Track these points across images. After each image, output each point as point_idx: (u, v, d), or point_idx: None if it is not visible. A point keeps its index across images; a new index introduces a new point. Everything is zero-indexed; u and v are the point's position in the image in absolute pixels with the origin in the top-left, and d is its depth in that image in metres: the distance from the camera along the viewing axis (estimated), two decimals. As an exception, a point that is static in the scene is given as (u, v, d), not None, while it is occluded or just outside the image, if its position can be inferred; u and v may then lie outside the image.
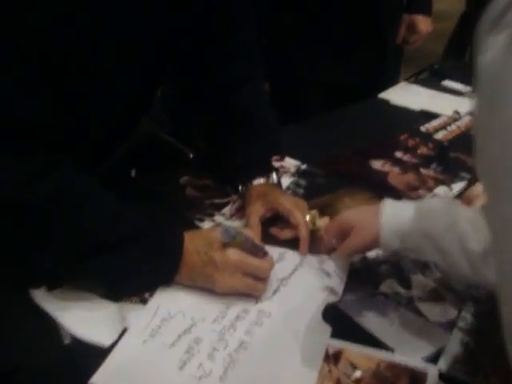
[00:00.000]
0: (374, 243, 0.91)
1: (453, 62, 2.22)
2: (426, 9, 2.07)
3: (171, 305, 0.88)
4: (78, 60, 0.85)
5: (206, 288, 0.90)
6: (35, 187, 0.81)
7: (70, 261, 0.85)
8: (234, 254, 0.89)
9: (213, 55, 1.14)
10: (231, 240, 0.89)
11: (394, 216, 0.89)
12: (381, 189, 1.24)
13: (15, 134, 0.80)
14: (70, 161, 0.87)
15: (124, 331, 0.84)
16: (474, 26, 0.49)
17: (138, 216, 0.91)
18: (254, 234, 1.01)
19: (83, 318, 0.86)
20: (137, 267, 0.88)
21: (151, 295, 0.90)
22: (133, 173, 1.40)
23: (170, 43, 1.03)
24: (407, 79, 2.02)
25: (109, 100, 0.95)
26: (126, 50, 0.91)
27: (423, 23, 2.04)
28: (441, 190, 1.26)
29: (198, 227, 1.08)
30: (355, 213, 0.98)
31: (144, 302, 0.89)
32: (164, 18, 0.97)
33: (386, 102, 1.79)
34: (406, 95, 1.84)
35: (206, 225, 1.09)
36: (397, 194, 1.22)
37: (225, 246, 0.89)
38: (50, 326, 0.85)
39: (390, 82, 1.96)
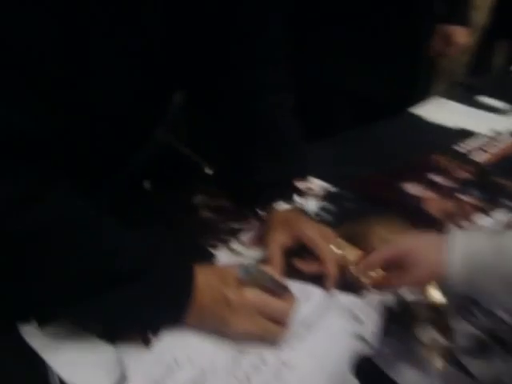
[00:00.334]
0: (433, 279, 0.85)
1: (483, 76, 2.12)
2: (463, 19, 2.00)
3: (178, 350, 0.77)
4: (77, 69, 0.78)
5: (218, 331, 0.80)
6: (22, 214, 0.71)
7: (61, 297, 0.75)
8: (251, 293, 0.79)
9: (236, 58, 1.07)
10: (250, 278, 0.80)
11: (466, 253, 0.80)
12: (417, 216, 1.14)
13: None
14: (66, 183, 0.77)
15: (121, 379, 0.73)
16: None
17: (141, 247, 0.82)
18: (274, 266, 0.91)
19: (76, 362, 0.76)
20: (139, 305, 0.77)
21: (155, 337, 0.79)
22: (146, 184, 1.31)
23: (186, 41, 0.95)
24: (440, 94, 1.93)
25: (117, 103, 0.87)
26: (126, 52, 0.84)
27: (460, 34, 1.98)
28: (482, 219, 1.14)
29: (211, 254, 0.98)
30: (414, 242, 0.88)
31: (147, 342, 0.78)
32: (183, 14, 0.90)
33: (418, 118, 1.70)
34: (439, 111, 1.75)
35: (221, 252, 1.00)
36: (434, 223, 1.12)
37: (242, 284, 0.80)
38: (38, 368, 0.75)
39: (423, 96, 1.88)
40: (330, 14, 1.74)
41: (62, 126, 0.77)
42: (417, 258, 0.83)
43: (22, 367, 0.76)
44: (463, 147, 1.49)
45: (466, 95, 1.92)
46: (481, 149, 1.48)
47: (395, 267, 0.86)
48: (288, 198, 1.04)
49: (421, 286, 0.87)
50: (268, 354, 0.78)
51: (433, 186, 1.27)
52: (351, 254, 0.97)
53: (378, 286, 0.90)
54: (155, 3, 0.85)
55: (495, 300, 0.80)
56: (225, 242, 1.02)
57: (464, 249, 0.80)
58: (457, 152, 1.46)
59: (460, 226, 1.11)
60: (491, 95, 1.87)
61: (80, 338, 0.79)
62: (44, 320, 0.81)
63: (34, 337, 0.79)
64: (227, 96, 1.10)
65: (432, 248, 0.83)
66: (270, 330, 0.80)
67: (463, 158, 1.42)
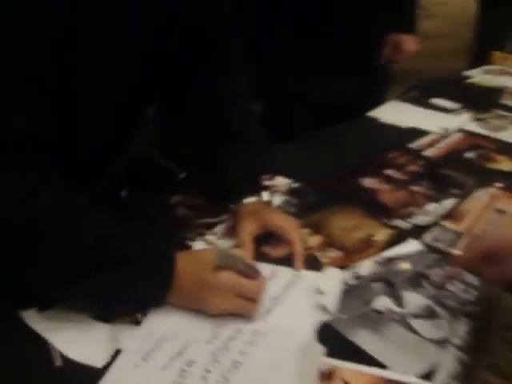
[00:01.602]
0: None
1: (441, 80, 2.24)
2: (410, 28, 2.09)
3: (164, 327, 0.88)
4: (64, 77, 0.85)
5: (199, 310, 0.90)
6: (26, 204, 0.80)
7: (60, 280, 0.84)
8: (226, 276, 0.89)
9: (201, 71, 1.14)
10: (224, 263, 0.89)
11: None
12: (371, 206, 1.24)
13: (4, 150, 0.80)
14: (62, 178, 0.86)
15: (116, 352, 0.83)
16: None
17: (130, 235, 0.91)
18: (246, 252, 1.01)
19: (75, 339, 0.85)
20: (128, 287, 0.87)
21: (144, 316, 0.89)
22: (124, 193, 1.39)
23: (158, 59, 1.03)
24: (396, 98, 2.04)
25: (96, 118, 0.96)
26: (112, 66, 0.92)
27: (409, 42, 2.06)
28: (431, 206, 1.26)
29: (189, 247, 1.07)
30: (509, 235, 0.88)
31: (137, 323, 0.88)
32: (152, 35, 0.97)
33: (375, 121, 1.81)
34: (394, 113, 1.86)
35: (198, 244, 1.08)
36: (387, 211, 1.23)
37: (218, 268, 0.89)
38: (41, 348, 0.84)
39: (379, 100, 1.98)
40: (290, 28, 1.83)
41: (49, 131, 0.85)
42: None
43: (26, 347, 0.84)
44: (416, 144, 1.61)
45: (420, 98, 2.04)
46: (431, 145, 1.61)
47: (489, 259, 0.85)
48: (256, 194, 1.12)
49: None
50: (242, 325, 0.88)
51: (387, 179, 1.38)
52: (313, 240, 1.09)
53: (335, 263, 1.02)
54: (140, 17, 0.93)
55: None
56: (201, 235, 1.10)
57: None
58: (410, 149, 1.58)
59: (411, 213, 1.23)
60: (443, 97, 2.00)
61: (77, 319, 0.88)
62: (43, 305, 0.89)
63: (35, 320, 0.87)
64: (196, 105, 1.17)
65: None
66: (244, 307, 0.90)
67: (415, 154, 1.54)
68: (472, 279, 0.99)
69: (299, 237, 1.05)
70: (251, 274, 0.91)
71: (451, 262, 0.98)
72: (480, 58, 3.35)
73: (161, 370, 0.80)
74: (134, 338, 0.85)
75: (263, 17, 1.81)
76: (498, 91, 2.12)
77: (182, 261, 0.91)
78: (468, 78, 2.35)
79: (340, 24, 1.82)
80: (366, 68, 1.96)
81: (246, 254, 0.99)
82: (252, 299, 0.90)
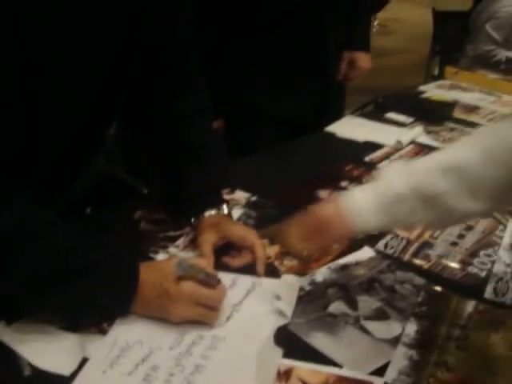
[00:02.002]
0: (350, 231, 0.96)
1: (396, 95, 2.31)
2: (365, 46, 2.16)
3: (129, 335, 0.91)
4: (27, 97, 0.87)
5: (162, 318, 0.94)
6: None
7: (26, 291, 0.87)
8: (187, 286, 0.93)
9: (160, 89, 1.17)
10: (185, 273, 0.93)
11: (366, 200, 0.92)
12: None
13: None
14: (26, 193, 0.88)
15: (83, 361, 0.86)
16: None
17: (94, 247, 0.94)
18: (207, 262, 1.04)
19: (43, 349, 0.88)
20: (93, 297, 0.90)
21: (110, 326, 0.93)
22: (88, 210, 1.42)
23: (119, 78, 1.06)
24: (352, 113, 2.11)
25: (57, 136, 0.97)
26: (74, 85, 0.94)
27: (363, 60, 2.14)
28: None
29: (152, 259, 1.11)
30: (325, 207, 0.97)
31: (103, 332, 0.91)
32: (113, 55, 1.00)
33: (332, 135, 1.87)
34: (351, 128, 1.93)
35: (161, 257, 1.12)
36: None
37: (179, 278, 0.93)
38: (9, 358, 0.86)
39: (335, 116, 2.04)
40: (248, 42, 1.87)
41: (15, 147, 0.87)
42: (331, 218, 0.93)
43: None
44: (371, 157, 1.68)
45: (376, 112, 2.12)
46: (385, 158, 1.68)
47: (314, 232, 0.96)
48: (215, 207, 1.16)
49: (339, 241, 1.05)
50: (204, 332, 0.93)
51: (343, 191, 1.43)
52: (271, 250, 1.14)
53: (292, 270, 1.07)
54: (101, 40, 0.95)
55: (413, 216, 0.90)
56: (163, 248, 1.14)
57: (363, 199, 0.92)
58: (365, 162, 1.64)
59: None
60: (397, 111, 2.08)
61: (44, 329, 0.90)
62: (10, 318, 0.91)
63: (3, 333, 0.90)
64: (156, 122, 1.20)
65: (338, 207, 0.93)
66: (204, 315, 0.94)
67: (370, 167, 1.60)
68: (420, 281, 1.06)
69: (260, 243, 1.10)
70: (211, 283, 0.95)
71: (283, 240, 1.04)
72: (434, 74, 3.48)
73: (127, 375, 0.84)
74: (101, 347, 0.89)
75: (222, 29, 1.84)
76: (450, 105, 2.21)
77: (145, 271, 0.94)
78: (422, 92, 2.44)
79: (298, 39, 1.87)
80: (322, 83, 2.01)
81: (207, 264, 1.02)
82: (212, 307, 0.94)
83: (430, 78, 4.69)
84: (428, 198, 0.88)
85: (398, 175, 0.92)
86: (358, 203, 0.92)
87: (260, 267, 1.07)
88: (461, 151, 0.90)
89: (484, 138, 0.90)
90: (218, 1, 1.80)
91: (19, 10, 0.81)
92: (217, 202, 1.18)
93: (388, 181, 0.92)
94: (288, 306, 0.98)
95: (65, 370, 0.84)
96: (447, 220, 0.96)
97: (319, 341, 0.92)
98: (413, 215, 0.90)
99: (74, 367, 0.85)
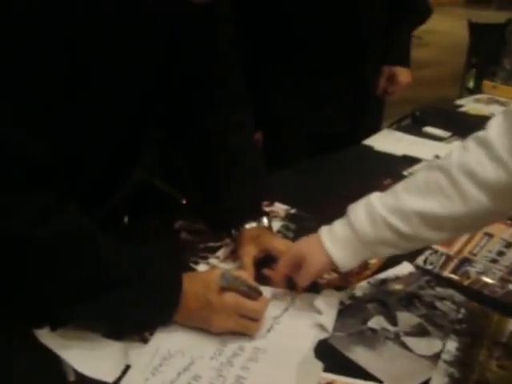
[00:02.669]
0: (328, 267, 1.02)
1: (433, 108, 2.30)
2: (404, 61, 2.15)
3: (171, 344, 0.93)
4: (72, 109, 0.88)
5: (204, 329, 0.95)
6: (38, 227, 0.84)
7: (71, 300, 0.89)
8: (230, 297, 0.94)
9: (201, 103, 1.19)
10: (228, 284, 0.94)
11: (335, 238, 1.00)
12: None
13: (17, 175, 0.84)
14: (73, 203, 0.90)
15: (126, 368, 0.88)
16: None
17: (139, 257, 0.96)
18: (248, 274, 1.05)
19: (87, 356, 0.90)
20: (136, 307, 0.92)
21: (151, 334, 0.94)
22: (125, 219, 1.44)
23: (158, 92, 1.08)
24: (390, 126, 2.11)
25: (98, 150, 1.00)
26: (114, 102, 0.95)
27: (402, 74, 2.13)
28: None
29: (193, 269, 1.12)
30: (303, 244, 1.06)
31: (145, 341, 0.93)
32: (152, 68, 1.01)
33: (369, 149, 1.87)
34: (388, 141, 1.92)
35: (201, 267, 1.13)
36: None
37: (222, 289, 0.94)
38: (55, 364, 0.88)
39: (373, 129, 2.04)
40: (289, 59, 1.89)
41: (59, 158, 0.88)
42: (308, 256, 1.01)
43: (39, 362, 0.89)
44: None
45: (413, 126, 2.11)
46: (424, 172, 1.67)
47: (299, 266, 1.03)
48: (255, 219, 1.17)
49: (321, 274, 1.06)
50: (244, 343, 0.94)
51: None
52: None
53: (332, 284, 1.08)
54: (141, 57, 0.96)
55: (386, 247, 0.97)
56: (204, 259, 1.16)
57: (330, 235, 1.00)
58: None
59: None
60: (434, 125, 2.07)
61: (88, 336, 0.93)
62: (56, 324, 0.94)
63: (48, 338, 0.92)
64: (195, 136, 1.21)
65: (315, 245, 1.01)
66: (246, 326, 0.95)
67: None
68: (460, 298, 1.05)
69: None
70: (253, 294, 0.96)
71: (275, 281, 1.08)
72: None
73: (169, 383, 0.85)
74: (143, 354, 0.90)
75: (259, 43, 1.85)
76: (488, 120, 2.18)
77: (188, 282, 0.96)
78: (459, 106, 2.42)
79: (336, 52, 1.87)
80: (360, 97, 2.01)
81: (248, 276, 1.03)
82: (254, 319, 0.95)
83: (465, 90, 4.65)
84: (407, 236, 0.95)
85: (371, 219, 0.97)
86: (336, 238, 1.00)
87: (299, 287, 1.06)
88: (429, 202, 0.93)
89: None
90: (256, 15, 1.82)
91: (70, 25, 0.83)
92: (257, 214, 1.19)
93: (361, 223, 0.98)
94: (329, 319, 0.99)
95: (108, 377, 0.86)
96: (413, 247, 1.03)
97: (359, 355, 0.92)
98: (389, 250, 0.99)
99: (117, 374, 0.87)
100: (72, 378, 0.86)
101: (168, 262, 1.02)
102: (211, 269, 1.12)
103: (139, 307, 0.92)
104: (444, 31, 8.64)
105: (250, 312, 0.95)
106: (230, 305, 0.94)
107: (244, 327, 0.95)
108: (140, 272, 0.93)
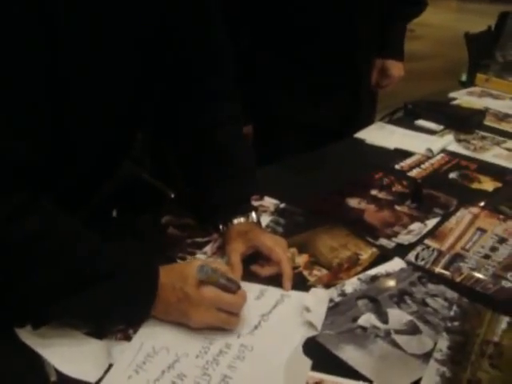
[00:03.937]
0: None
1: (426, 101, 2.28)
2: (398, 54, 2.14)
3: (155, 341, 0.90)
4: (56, 103, 0.87)
5: (182, 323, 0.93)
6: (14, 226, 0.82)
7: (48, 299, 0.87)
8: (208, 290, 0.92)
9: (191, 96, 1.17)
10: (206, 277, 0.92)
11: None
12: (357, 226, 1.28)
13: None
14: (50, 199, 0.88)
15: (110, 367, 0.85)
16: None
17: (115, 252, 0.93)
18: (235, 271, 1.04)
19: (69, 355, 0.87)
20: (114, 301, 0.90)
21: (135, 332, 0.92)
22: (114, 213, 1.41)
23: (148, 85, 1.06)
24: (382, 119, 2.09)
25: (85, 144, 0.98)
26: (103, 91, 0.94)
27: (395, 68, 2.11)
28: (415, 226, 1.30)
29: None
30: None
31: (128, 338, 0.91)
32: (142, 59, 1.00)
33: (361, 142, 1.85)
34: (380, 135, 1.90)
35: (187, 262, 1.11)
36: (372, 231, 1.26)
37: (200, 282, 0.92)
38: (36, 364, 0.86)
39: (365, 122, 2.02)
40: (279, 52, 1.87)
41: (44, 154, 0.88)
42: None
43: (21, 362, 0.86)
44: (401, 165, 1.65)
45: (405, 119, 2.09)
46: (416, 166, 1.65)
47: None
48: (244, 215, 1.15)
49: None
50: (231, 340, 0.91)
51: (372, 199, 1.42)
52: (300, 259, 1.12)
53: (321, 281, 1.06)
54: (132, 44, 0.96)
55: None
56: (191, 254, 1.13)
57: None
58: (395, 170, 1.62)
59: (396, 232, 1.26)
60: (427, 118, 2.05)
61: (70, 335, 0.90)
62: (38, 323, 0.91)
63: (30, 337, 0.89)
64: (185, 130, 1.20)
65: None
66: (225, 320, 0.93)
67: (400, 175, 1.58)
68: (452, 295, 1.03)
69: (287, 257, 1.08)
70: (232, 287, 0.94)
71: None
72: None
73: (153, 382, 0.83)
74: (126, 352, 0.88)
75: (253, 39, 1.85)
76: (481, 113, 2.17)
77: (165, 274, 0.94)
78: (452, 99, 2.40)
79: (329, 47, 1.86)
80: (353, 92, 2.00)
81: (235, 273, 1.03)
82: (233, 313, 0.94)
83: (458, 83, 4.64)
84: None
85: None
86: None
87: (286, 284, 1.05)
88: None
89: None
90: (251, 9, 1.80)
91: (56, 23, 0.82)
92: (246, 210, 1.16)
93: None
94: (318, 317, 0.96)
95: (91, 376, 0.84)
96: None
97: (349, 354, 0.90)
98: None
99: (100, 374, 0.84)
100: (54, 377, 0.84)
101: (147, 254, 1.00)
102: (190, 261, 1.10)
103: (117, 301, 0.90)
104: (437, 24, 8.62)
105: (228, 306, 0.93)
106: (209, 299, 0.92)
107: (223, 321, 0.93)
108: (118, 266, 0.91)
